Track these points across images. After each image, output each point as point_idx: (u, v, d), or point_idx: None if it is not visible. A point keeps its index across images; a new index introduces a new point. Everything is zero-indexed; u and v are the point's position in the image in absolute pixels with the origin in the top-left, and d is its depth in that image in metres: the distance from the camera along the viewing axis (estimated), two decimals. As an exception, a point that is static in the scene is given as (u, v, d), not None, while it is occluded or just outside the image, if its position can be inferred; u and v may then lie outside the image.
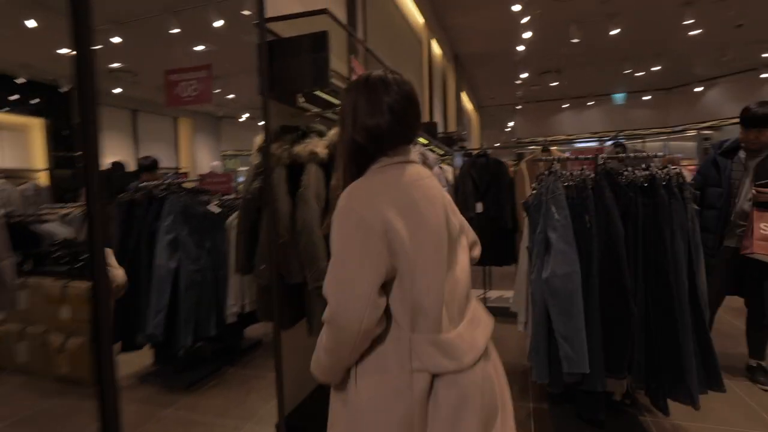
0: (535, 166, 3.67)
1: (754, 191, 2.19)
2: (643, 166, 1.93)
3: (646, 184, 1.83)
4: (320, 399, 2.36)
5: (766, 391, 2.33)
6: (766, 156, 2.26)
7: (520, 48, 7.75)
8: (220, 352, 3.01)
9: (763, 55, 9.23)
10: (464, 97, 9.64)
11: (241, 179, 4.98)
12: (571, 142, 12.95)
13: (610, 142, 3.29)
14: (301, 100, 1.95)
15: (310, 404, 2.22)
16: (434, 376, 0.85)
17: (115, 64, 6.85)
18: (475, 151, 4.03)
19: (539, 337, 1.88)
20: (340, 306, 0.82)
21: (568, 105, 13.03)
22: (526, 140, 13.26)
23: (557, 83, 10.26)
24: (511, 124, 15.33)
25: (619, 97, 12.28)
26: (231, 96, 9.85)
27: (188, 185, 2.77)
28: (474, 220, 3.58)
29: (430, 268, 0.86)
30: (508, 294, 4.14)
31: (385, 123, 0.90)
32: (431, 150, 3.27)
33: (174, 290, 2.45)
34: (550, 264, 1.83)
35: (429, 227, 0.88)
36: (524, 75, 10.02)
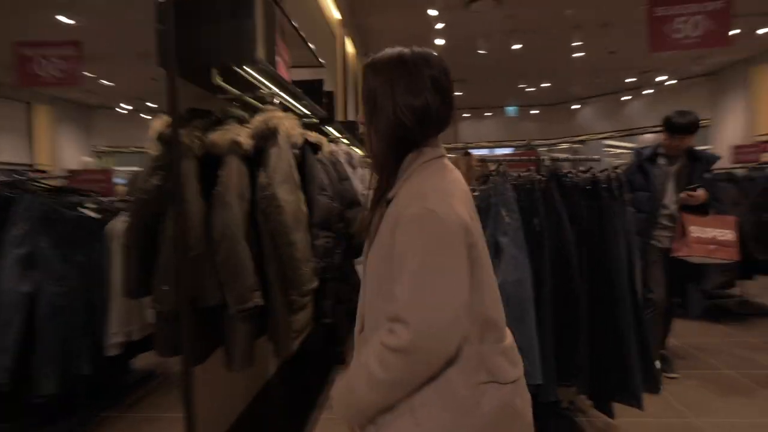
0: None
1: (684, 195, 2.36)
2: (582, 168, 1.93)
3: (589, 187, 1.82)
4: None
5: (671, 378, 2.54)
6: (684, 163, 2.48)
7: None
8: (96, 393, 2.40)
9: (626, 80, 10.84)
10: (374, 101, 9.60)
11: (119, 181, 4.11)
12: (467, 149, 13.85)
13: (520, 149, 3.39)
14: (217, 79, 1.57)
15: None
16: (500, 386, 0.78)
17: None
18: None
19: (490, 349, 1.75)
20: (428, 332, 0.70)
21: (468, 115, 13.89)
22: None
23: (461, 93, 10.81)
24: (415, 130, 15.82)
25: (511, 110, 13.44)
26: (108, 83, 8.40)
27: (52, 183, 2.15)
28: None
29: (491, 273, 0.82)
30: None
31: (434, 101, 0.79)
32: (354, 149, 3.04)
33: (29, 322, 1.86)
34: (501, 270, 1.72)
35: (481, 228, 0.83)
36: (431, 83, 10.35)
